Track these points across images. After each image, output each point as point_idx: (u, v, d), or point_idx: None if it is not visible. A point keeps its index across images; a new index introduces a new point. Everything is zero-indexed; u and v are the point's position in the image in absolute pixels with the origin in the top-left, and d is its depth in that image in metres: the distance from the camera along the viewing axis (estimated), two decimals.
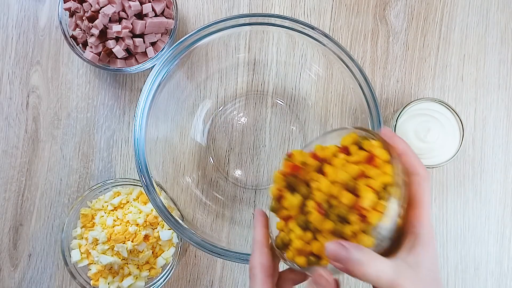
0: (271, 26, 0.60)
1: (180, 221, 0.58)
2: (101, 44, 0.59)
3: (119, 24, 0.58)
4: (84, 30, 0.59)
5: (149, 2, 0.59)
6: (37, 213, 0.65)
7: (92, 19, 0.57)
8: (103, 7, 0.57)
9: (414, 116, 0.61)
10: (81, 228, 0.61)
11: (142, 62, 0.60)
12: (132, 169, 0.65)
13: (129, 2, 0.58)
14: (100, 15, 0.57)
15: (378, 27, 0.67)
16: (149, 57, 0.60)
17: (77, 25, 0.60)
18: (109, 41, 0.58)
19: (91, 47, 0.59)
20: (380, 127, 0.58)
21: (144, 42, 0.59)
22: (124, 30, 0.57)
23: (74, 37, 0.60)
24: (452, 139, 0.61)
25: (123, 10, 0.58)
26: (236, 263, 0.64)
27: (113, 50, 0.58)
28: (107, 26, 0.58)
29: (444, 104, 0.61)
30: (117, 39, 0.59)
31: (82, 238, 0.61)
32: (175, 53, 0.59)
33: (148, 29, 0.59)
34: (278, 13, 0.65)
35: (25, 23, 0.66)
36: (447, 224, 0.65)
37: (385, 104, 0.66)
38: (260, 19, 0.59)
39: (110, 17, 0.57)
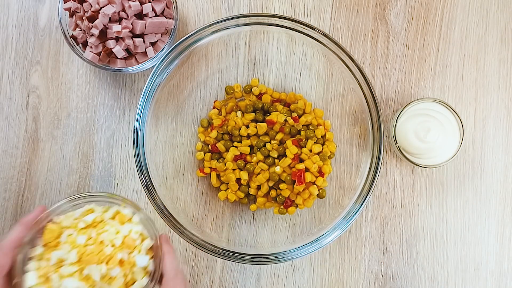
0: (271, 26, 0.60)
1: (180, 221, 0.58)
2: (101, 44, 0.59)
3: (119, 24, 0.58)
4: (84, 30, 0.59)
5: (149, 2, 0.59)
6: None
7: (92, 19, 0.57)
8: (103, 7, 0.57)
9: (414, 116, 0.61)
10: (42, 246, 0.49)
11: (142, 62, 0.60)
12: (132, 169, 0.65)
13: (129, 2, 0.58)
14: (100, 15, 0.57)
15: (378, 27, 0.67)
16: (149, 57, 0.60)
17: (77, 25, 0.60)
18: (109, 41, 0.58)
19: (91, 47, 0.59)
20: (380, 127, 0.58)
21: (144, 42, 0.59)
22: (124, 30, 0.57)
23: (74, 37, 0.61)
24: (452, 139, 0.61)
25: (123, 10, 0.58)
26: (236, 263, 0.64)
27: (113, 50, 0.58)
28: (107, 26, 0.58)
29: (444, 104, 0.61)
30: (117, 39, 0.59)
31: (42, 258, 0.48)
32: (175, 53, 0.59)
33: (148, 29, 0.59)
34: (278, 13, 0.65)
35: (25, 23, 0.66)
36: (447, 224, 0.65)
37: (385, 104, 0.66)
38: (260, 19, 0.59)
39: (110, 17, 0.57)
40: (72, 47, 0.61)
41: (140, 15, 0.59)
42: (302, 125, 0.63)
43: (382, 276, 0.65)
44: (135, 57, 0.61)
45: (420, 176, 0.66)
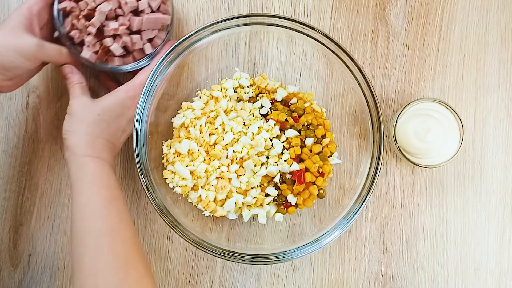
0: (271, 26, 0.60)
1: (180, 221, 0.58)
2: (98, 42, 0.59)
3: (116, 21, 0.58)
4: (80, 29, 0.59)
5: None
6: (37, 213, 0.65)
7: (88, 17, 0.57)
8: (99, 4, 0.57)
9: (414, 116, 0.61)
10: None
11: (140, 59, 0.60)
12: (132, 169, 0.65)
13: None
14: (96, 13, 0.57)
15: (378, 27, 0.67)
16: (146, 54, 0.60)
17: (73, 25, 0.60)
18: (106, 39, 0.58)
19: (88, 46, 0.59)
20: (380, 127, 0.58)
21: (141, 38, 0.59)
22: (121, 27, 0.57)
23: (70, 37, 0.60)
24: (452, 139, 0.61)
25: (119, 7, 0.58)
26: (236, 263, 0.64)
27: (110, 48, 0.58)
28: (103, 24, 0.58)
29: (444, 104, 0.61)
30: (114, 36, 0.59)
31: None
32: (175, 53, 0.59)
33: (144, 26, 0.59)
34: (278, 13, 0.65)
35: None
36: (447, 224, 0.65)
37: (385, 104, 0.66)
38: (260, 19, 0.59)
39: (106, 15, 0.57)
40: (69, 46, 0.60)
41: (136, 12, 0.59)
42: (302, 125, 0.63)
43: (382, 276, 0.65)
44: (133, 55, 0.61)
45: (420, 176, 0.66)
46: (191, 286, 0.65)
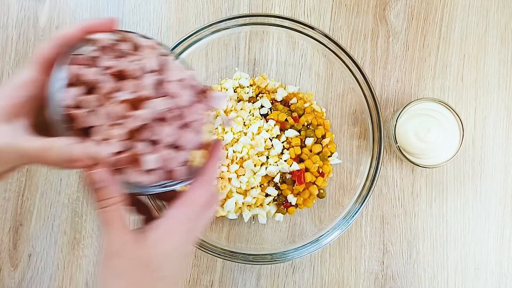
0: (271, 26, 0.60)
1: None
2: (126, 141, 0.34)
3: (169, 126, 0.36)
4: (93, 110, 0.34)
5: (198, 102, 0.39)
6: (37, 213, 0.65)
7: (134, 105, 0.35)
8: (164, 95, 0.35)
9: (414, 116, 0.61)
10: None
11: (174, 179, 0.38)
12: None
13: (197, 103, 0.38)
14: (146, 106, 0.34)
15: (378, 27, 0.67)
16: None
17: (80, 101, 0.34)
18: (141, 143, 0.35)
19: (110, 140, 0.34)
20: (380, 127, 0.58)
21: (183, 155, 0.38)
22: (170, 137, 0.36)
23: (71, 117, 0.34)
24: (452, 139, 0.61)
25: (172, 109, 0.36)
26: (236, 263, 0.64)
27: (144, 158, 0.35)
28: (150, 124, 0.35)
29: (444, 104, 0.61)
30: (153, 143, 0.36)
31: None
32: (175, 53, 0.59)
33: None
34: (278, 13, 0.65)
35: (25, 23, 0.66)
36: (447, 224, 0.65)
37: (385, 104, 0.66)
38: (260, 19, 0.59)
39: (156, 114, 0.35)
40: (63, 132, 0.33)
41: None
42: (302, 125, 0.63)
43: (382, 276, 0.65)
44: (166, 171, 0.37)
45: (420, 176, 0.66)
46: (191, 286, 0.65)
